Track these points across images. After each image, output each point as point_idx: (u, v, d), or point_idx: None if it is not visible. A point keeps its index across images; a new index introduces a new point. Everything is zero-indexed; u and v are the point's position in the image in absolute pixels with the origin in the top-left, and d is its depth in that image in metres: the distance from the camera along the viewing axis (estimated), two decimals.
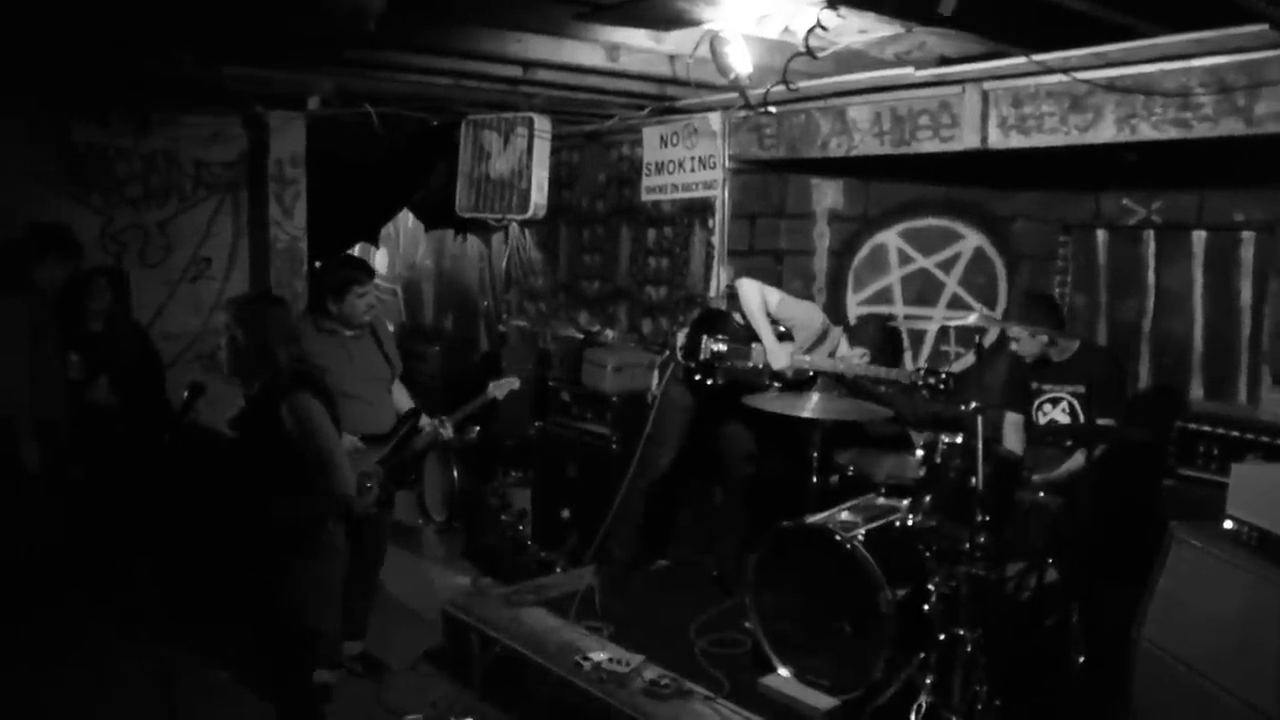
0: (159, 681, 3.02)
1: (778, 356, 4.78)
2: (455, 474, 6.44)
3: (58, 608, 4.85)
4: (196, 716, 3.51)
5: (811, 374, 4.86)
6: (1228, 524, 3.32)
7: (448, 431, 4.71)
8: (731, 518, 5.14)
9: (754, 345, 4.90)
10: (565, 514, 5.71)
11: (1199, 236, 5.07)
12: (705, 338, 5.00)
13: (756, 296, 4.86)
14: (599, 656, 4.15)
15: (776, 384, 4.80)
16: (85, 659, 4.53)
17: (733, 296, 5.02)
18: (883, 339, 4.92)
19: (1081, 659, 3.95)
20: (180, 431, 3.12)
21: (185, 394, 3.24)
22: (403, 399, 4.79)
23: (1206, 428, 4.24)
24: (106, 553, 4.76)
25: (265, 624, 3.40)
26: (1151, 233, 5.26)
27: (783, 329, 4.90)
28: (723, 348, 4.96)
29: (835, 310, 5.76)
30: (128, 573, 2.94)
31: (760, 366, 4.85)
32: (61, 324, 5.01)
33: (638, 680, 3.99)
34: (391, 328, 5.19)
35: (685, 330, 5.14)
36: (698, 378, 4.98)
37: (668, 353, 5.16)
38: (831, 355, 4.90)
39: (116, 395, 5.13)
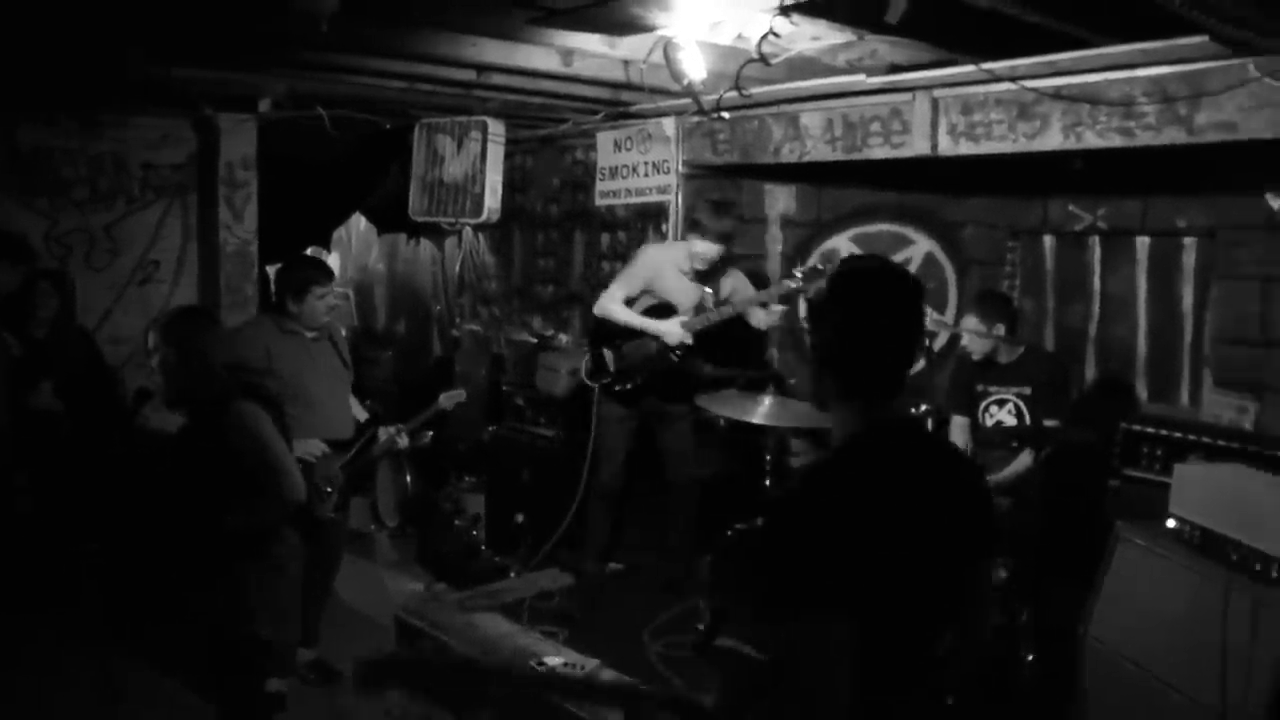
0: (104, 690, 2.96)
1: (671, 334, 4.93)
2: (408, 479, 6.40)
3: (5, 614, 4.76)
4: None
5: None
6: (1170, 523, 3.40)
7: (404, 440, 4.74)
8: (678, 521, 5.17)
9: (645, 336, 5.01)
10: (519, 518, 5.68)
11: (1143, 242, 5.18)
12: (605, 351, 5.10)
13: (614, 305, 5.04)
14: (554, 661, 4.13)
15: (678, 353, 4.95)
16: (30, 668, 4.43)
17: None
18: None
19: (1030, 657, 4.01)
20: (129, 436, 3.07)
21: (132, 398, 3.19)
22: (355, 407, 4.77)
23: (1150, 429, 4.33)
24: (54, 560, 4.67)
25: (217, 632, 3.35)
26: (1097, 239, 5.37)
27: (658, 301, 5.06)
28: (624, 350, 5.06)
29: (788, 314, 5.80)
30: (75, 579, 2.89)
31: (663, 347, 4.96)
32: (3, 327, 4.91)
33: None
34: (344, 332, 5.15)
35: (586, 356, 5.24)
36: (618, 388, 5.08)
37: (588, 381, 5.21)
38: (722, 302, 5.01)
39: (61, 401, 5.04)
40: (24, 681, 4.32)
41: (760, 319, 4.96)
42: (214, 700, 3.47)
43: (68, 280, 5.58)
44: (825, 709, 1.64)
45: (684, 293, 5.04)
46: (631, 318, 5.03)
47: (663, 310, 5.03)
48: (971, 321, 4.55)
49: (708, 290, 5.00)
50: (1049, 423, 4.37)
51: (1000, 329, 4.49)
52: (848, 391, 1.93)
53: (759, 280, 5.38)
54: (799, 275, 4.55)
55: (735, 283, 5.12)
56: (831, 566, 1.67)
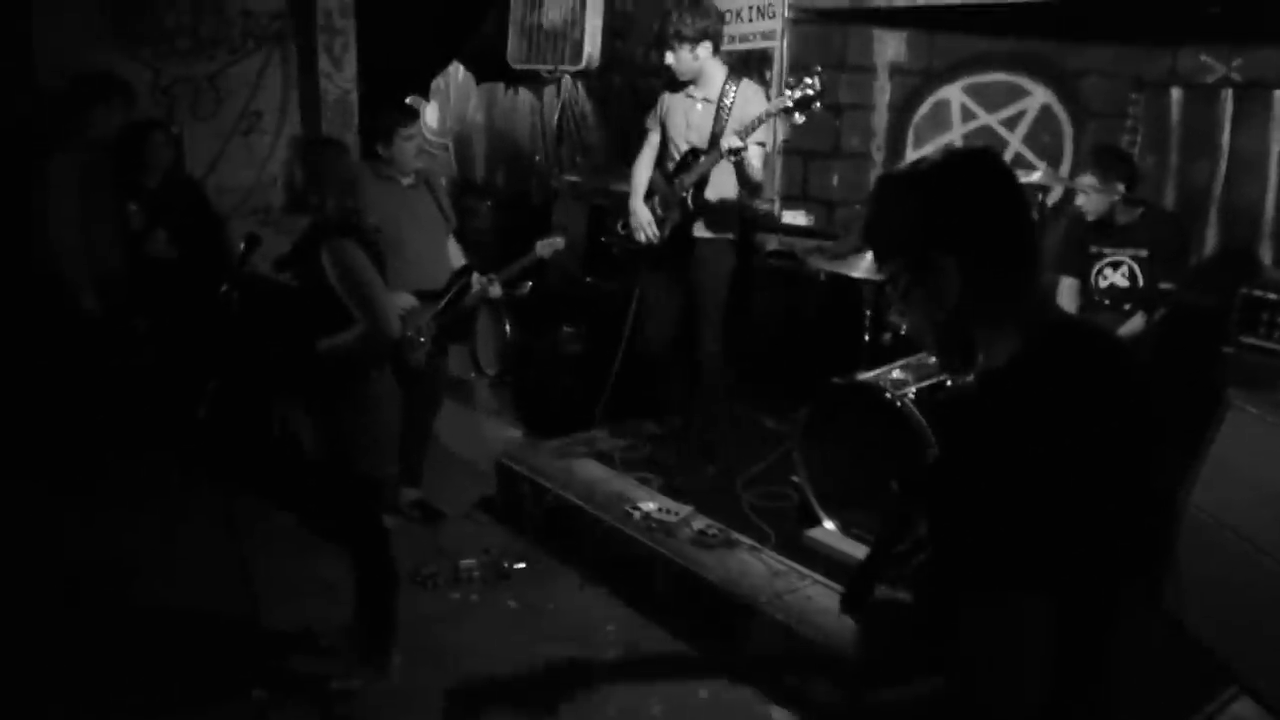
0: (226, 527, 3.14)
1: (638, 215, 4.55)
2: (507, 328, 6.51)
3: (133, 460, 5.06)
4: (268, 561, 3.67)
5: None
6: None
7: (496, 289, 4.76)
8: (711, 375, 4.71)
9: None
10: (615, 368, 5.75)
11: None
12: (615, 224, 4.80)
13: (639, 164, 4.64)
14: (648, 506, 4.25)
15: (693, 194, 4.42)
16: (156, 507, 4.73)
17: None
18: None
19: None
20: (238, 282, 3.17)
21: (241, 246, 3.27)
22: (455, 255, 4.82)
23: (1272, 295, 4.14)
24: (175, 401, 4.92)
25: (322, 469, 3.50)
26: (1230, 91, 5.03)
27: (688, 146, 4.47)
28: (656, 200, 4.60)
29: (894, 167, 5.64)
30: (193, 419, 3.04)
31: (685, 191, 4.44)
32: (117, 176, 5.05)
33: (686, 530, 4.09)
34: (443, 181, 5.17)
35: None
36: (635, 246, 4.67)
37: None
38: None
39: (175, 249, 5.21)
40: (150, 520, 4.63)
41: (754, 163, 4.30)
42: (335, 538, 3.67)
43: (174, 129, 5.68)
44: (1009, 704, 1.49)
45: (695, 128, 4.45)
46: (633, 183, 4.63)
47: (689, 157, 4.47)
48: (1088, 179, 4.35)
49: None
50: (1165, 286, 4.20)
51: (1119, 188, 4.29)
52: (1003, 300, 1.60)
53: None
54: (790, 95, 4.07)
55: (746, 102, 4.36)
56: (1049, 534, 1.45)
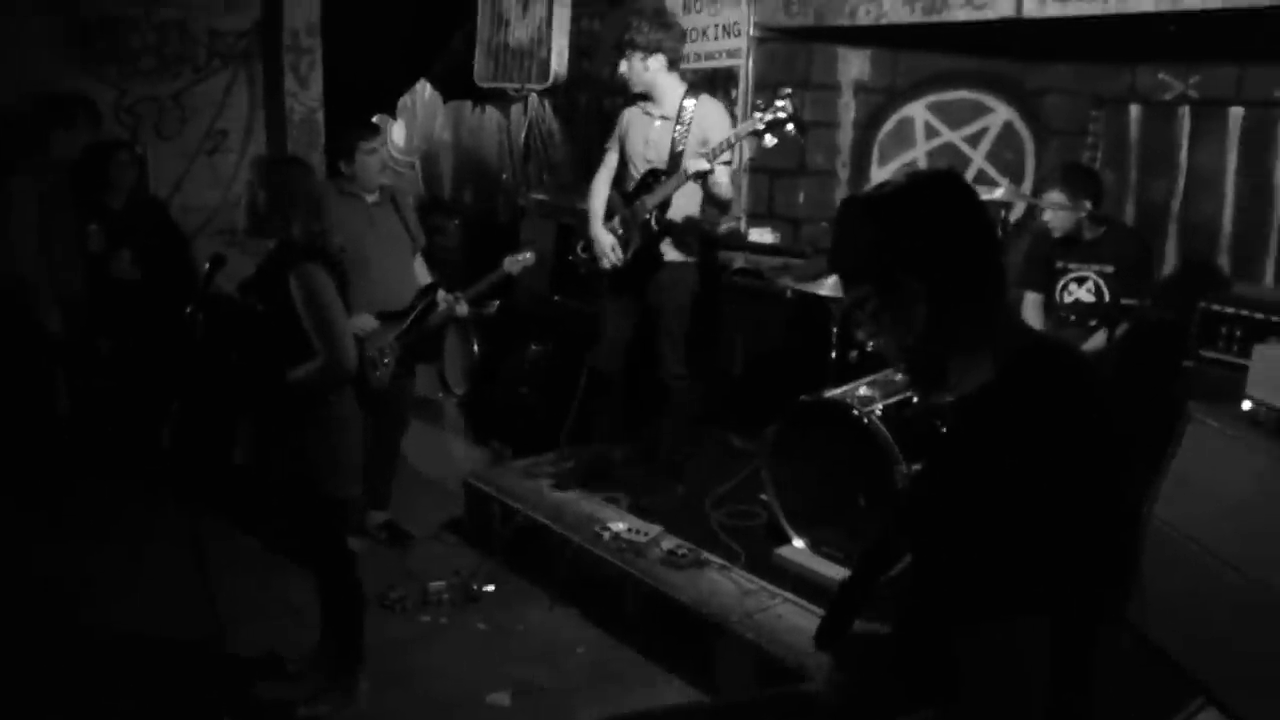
0: (191, 551, 3.11)
1: (600, 243, 4.45)
2: (475, 346, 6.48)
3: (98, 480, 5.01)
4: (234, 583, 3.64)
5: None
6: (1246, 405, 3.32)
7: (463, 308, 4.72)
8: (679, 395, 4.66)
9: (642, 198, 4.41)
10: (580, 390, 5.73)
11: (1236, 113, 4.93)
12: (577, 246, 4.73)
13: (596, 190, 4.55)
14: (618, 527, 4.24)
15: (657, 216, 4.33)
16: (125, 529, 4.68)
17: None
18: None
19: None
20: (203, 303, 3.14)
21: (206, 266, 3.25)
22: (422, 274, 4.80)
23: (1230, 309, 4.20)
24: (137, 425, 4.87)
25: (288, 491, 3.47)
26: (1187, 109, 5.12)
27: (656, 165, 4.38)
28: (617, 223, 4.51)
29: (858, 185, 5.68)
30: (157, 443, 3.02)
31: (648, 212, 4.35)
32: (80, 196, 5.00)
33: (656, 550, 4.08)
34: (411, 200, 5.15)
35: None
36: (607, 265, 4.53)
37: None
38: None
39: (139, 270, 5.16)
40: (114, 541, 4.58)
41: (722, 181, 4.26)
42: (300, 561, 3.63)
43: (139, 149, 5.63)
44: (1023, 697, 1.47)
45: (654, 146, 4.37)
46: (590, 207, 4.51)
47: (650, 178, 4.39)
48: (1056, 195, 4.40)
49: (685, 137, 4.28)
50: (1127, 302, 4.26)
51: (1087, 205, 4.34)
52: (971, 325, 1.61)
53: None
54: (761, 117, 4.03)
55: (705, 117, 4.32)
56: (1034, 556, 1.47)
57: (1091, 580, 1.54)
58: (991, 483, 1.48)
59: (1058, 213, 4.36)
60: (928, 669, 1.54)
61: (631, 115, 4.50)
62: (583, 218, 4.72)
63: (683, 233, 4.44)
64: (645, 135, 4.42)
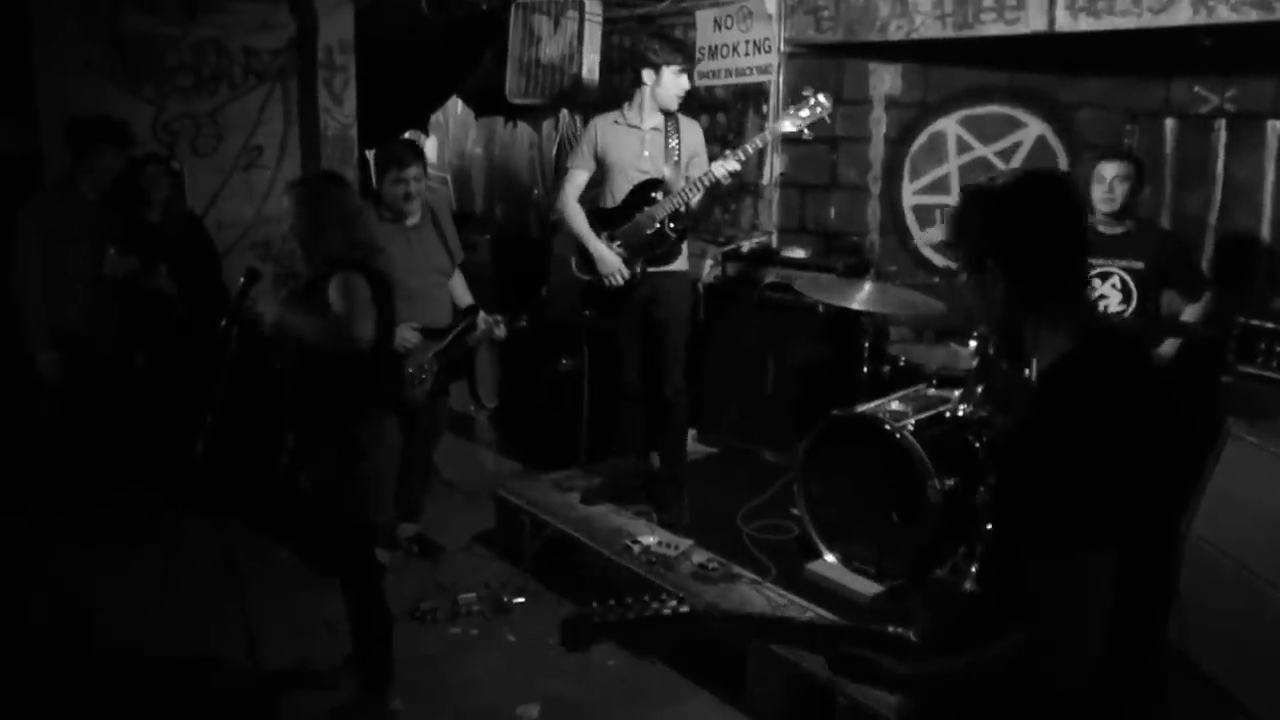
0: (223, 562, 3.13)
1: (607, 263, 4.44)
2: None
3: (132, 490, 5.06)
4: (265, 594, 3.65)
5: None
6: None
7: (501, 331, 4.72)
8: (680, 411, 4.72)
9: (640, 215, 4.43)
10: (584, 406, 5.72)
11: (1274, 126, 4.87)
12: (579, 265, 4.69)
13: (569, 201, 4.54)
14: (648, 540, 4.23)
15: (673, 226, 4.37)
16: (159, 540, 4.73)
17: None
18: None
19: None
20: (237, 318, 3.17)
21: (241, 281, 3.28)
22: (462, 292, 4.80)
23: (1269, 324, 4.14)
24: (172, 437, 4.91)
25: (316, 506, 3.49)
26: (1223, 122, 5.06)
27: (643, 179, 4.42)
28: (619, 236, 4.49)
29: (890, 199, 5.66)
30: (190, 456, 3.03)
31: (659, 222, 4.37)
32: (117, 215, 5.04)
33: (686, 564, 4.08)
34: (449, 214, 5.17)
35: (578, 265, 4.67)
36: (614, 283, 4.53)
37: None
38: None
39: (174, 284, 5.20)
40: (149, 556, 4.62)
41: (721, 172, 4.22)
42: (330, 573, 3.64)
43: (174, 164, 5.69)
44: (1078, 648, 1.56)
45: (652, 157, 4.40)
46: (581, 227, 4.45)
47: (646, 190, 4.41)
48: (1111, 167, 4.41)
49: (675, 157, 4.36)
50: (1191, 306, 4.37)
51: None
52: (1055, 307, 1.78)
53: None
54: (797, 114, 4.18)
55: (686, 127, 4.45)
56: (1106, 494, 1.59)
57: (1156, 525, 1.70)
58: (1074, 433, 1.63)
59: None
60: (1008, 598, 1.64)
61: (603, 127, 4.50)
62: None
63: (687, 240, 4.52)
64: (637, 147, 4.41)
